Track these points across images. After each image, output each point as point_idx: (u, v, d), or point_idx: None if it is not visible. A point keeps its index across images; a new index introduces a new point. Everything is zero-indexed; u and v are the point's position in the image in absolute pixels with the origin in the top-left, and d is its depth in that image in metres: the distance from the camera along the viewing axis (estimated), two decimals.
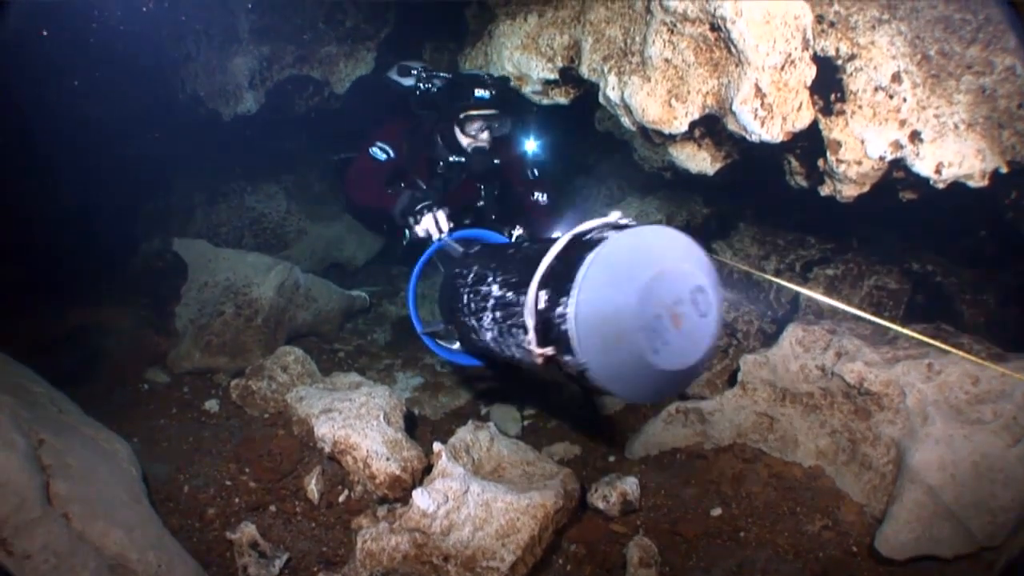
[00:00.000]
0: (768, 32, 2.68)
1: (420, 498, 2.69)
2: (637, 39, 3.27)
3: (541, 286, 1.94)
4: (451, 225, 3.28)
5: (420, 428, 3.85)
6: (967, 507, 2.58)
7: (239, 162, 5.95)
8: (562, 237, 2.01)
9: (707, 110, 3.07)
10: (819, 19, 2.76)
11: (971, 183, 2.68)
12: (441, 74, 3.91)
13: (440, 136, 3.76)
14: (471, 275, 2.57)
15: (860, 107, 2.75)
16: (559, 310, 1.82)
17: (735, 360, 3.53)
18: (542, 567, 2.74)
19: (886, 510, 2.75)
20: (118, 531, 2.28)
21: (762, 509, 2.97)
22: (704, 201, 4.90)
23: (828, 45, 2.76)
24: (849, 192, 2.96)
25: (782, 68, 2.74)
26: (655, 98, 3.14)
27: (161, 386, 4.05)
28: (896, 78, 2.66)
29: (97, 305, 4.50)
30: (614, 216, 2.05)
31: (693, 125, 3.17)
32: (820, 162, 2.98)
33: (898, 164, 2.77)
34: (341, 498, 3.02)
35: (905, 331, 2.77)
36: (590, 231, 1.98)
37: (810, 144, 2.99)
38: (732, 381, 3.45)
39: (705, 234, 4.59)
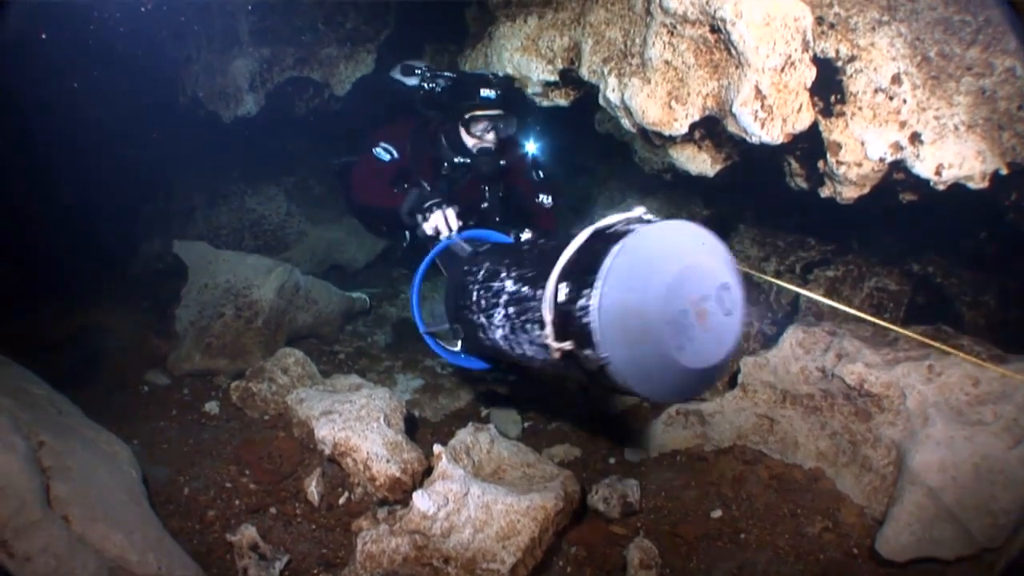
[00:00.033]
0: (768, 34, 2.68)
1: (420, 500, 2.69)
2: (637, 41, 3.27)
3: (561, 279, 1.87)
4: (460, 223, 3.18)
5: (420, 430, 3.85)
6: (968, 509, 2.58)
7: (239, 164, 5.96)
8: (583, 231, 1.94)
9: (707, 112, 3.07)
10: (819, 21, 2.76)
11: (971, 184, 2.67)
12: (445, 73, 3.81)
13: (444, 137, 3.65)
14: (482, 272, 2.52)
15: (860, 109, 2.75)
16: (581, 303, 1.76)
17: (735, 362, 3.52)
18: (542, 569, 2.74)
19: (887, 512, 2.75)
20: (118, 533, 2.28)
21: (762, 511, 2.97)
22: (704, 203, 4.90)
23: (828, 47, 2.76)
24: (849, 193, 2.96)
25: (782, 70, 2.74)
26: (655, 100, 3.14)
27: (161, 388, 4.05)
28: (896, 80, 2.66)
29: (97, 307, 4.51)
30: (638, 211, 1.97)
31: (693, 127, 3.17)
32: (820, 164, 2.97)
33: (898, 166, 2.77)
34: (341, 500, 3.02)
35: (905, 332, 2.76)
36: (613, 225, 1.91)
37: (810, 146, 2.99)
38: (732, 383, 3.45)
39: None
